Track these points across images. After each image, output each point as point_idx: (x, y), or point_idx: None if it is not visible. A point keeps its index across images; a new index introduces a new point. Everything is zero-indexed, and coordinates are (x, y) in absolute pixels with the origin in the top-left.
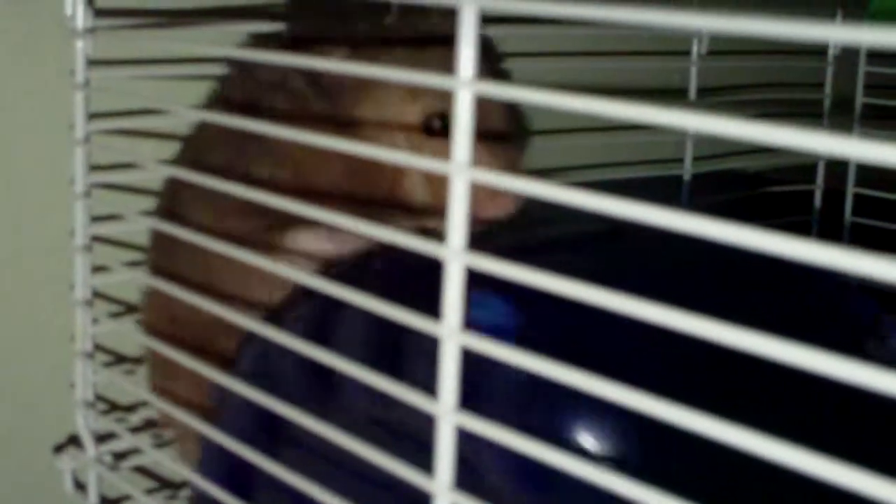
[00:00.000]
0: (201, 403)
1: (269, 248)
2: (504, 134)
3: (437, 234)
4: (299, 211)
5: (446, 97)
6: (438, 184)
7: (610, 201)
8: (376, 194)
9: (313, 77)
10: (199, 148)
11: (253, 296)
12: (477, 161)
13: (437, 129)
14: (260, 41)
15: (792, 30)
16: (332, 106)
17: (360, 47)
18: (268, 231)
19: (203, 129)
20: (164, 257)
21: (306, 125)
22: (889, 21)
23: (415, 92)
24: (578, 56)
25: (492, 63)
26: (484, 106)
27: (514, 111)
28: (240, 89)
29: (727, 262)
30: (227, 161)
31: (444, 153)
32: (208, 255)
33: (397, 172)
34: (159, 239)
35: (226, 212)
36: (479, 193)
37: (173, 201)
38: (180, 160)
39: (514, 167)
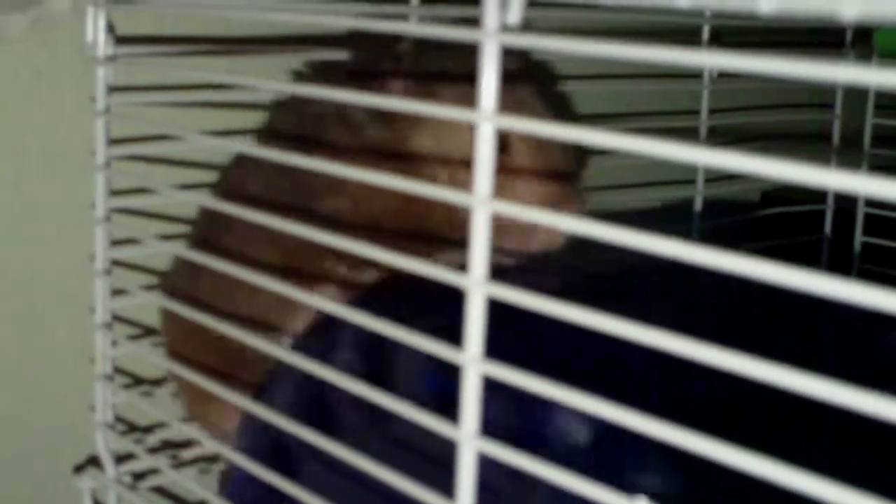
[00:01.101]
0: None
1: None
2: (560, 164)
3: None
4: (337, 244)
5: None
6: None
7: (624, 233)
8: (437, 218)
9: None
10: (244, 180)
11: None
12: (533, 193)
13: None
14: (315, 71)
15: (800, 69)
16: (389, 133)
17: (415, 79)
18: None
19: (245, 161)
20: (199, 285)
21: (364, 153)
22: (894, 50)
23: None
24: (590, 79)
25: (545, 86)
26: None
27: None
28: (290, 122)
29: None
30: (282, 193)
31: (503, 170)
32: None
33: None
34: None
35: (277, 244)
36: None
37: (214, 229)
38: (225, 187)
39: (569, 197)
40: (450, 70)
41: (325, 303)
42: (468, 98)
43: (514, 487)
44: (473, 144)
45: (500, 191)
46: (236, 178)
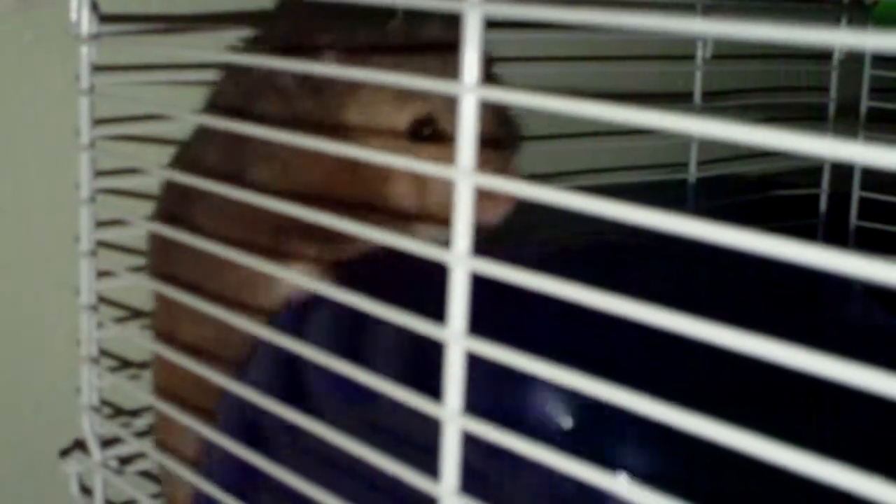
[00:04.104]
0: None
1: (274, 253)
2: (498, 138)
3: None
4: (303, 215)
5: (434, 102)
6: (425, 190)
7: (617, 206)
8: (361, 199)
9: (303, 76)
10: (196, 153)
11: (254, 301)
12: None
13: (425, 135)
14: (252, 44)
15: (797, 34)
16: (320, 106)
17: (353, 51)
18: (270, 236)
19: (200, 134)
20: (165, 263)
21: (293, 125)
22: (892, 26)
23: (402, 97)
24: (582, 60)
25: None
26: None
27: (506, 114)
28: (230, 93)
29: (728, 265)
30: (222, 164)
31: (432, 159)
32: (210, 260)
33: (382, 178)
34: (161, 244)
35: (225, 217)
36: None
37: (175, 205)
38: (178, 164)
39: (507, 170)
40: (386, 42)
41: (297, 277)
42: (402, 68)
43: (494, 469)
44: (398, 118)
45: (441, 161)
46: (192, 153)
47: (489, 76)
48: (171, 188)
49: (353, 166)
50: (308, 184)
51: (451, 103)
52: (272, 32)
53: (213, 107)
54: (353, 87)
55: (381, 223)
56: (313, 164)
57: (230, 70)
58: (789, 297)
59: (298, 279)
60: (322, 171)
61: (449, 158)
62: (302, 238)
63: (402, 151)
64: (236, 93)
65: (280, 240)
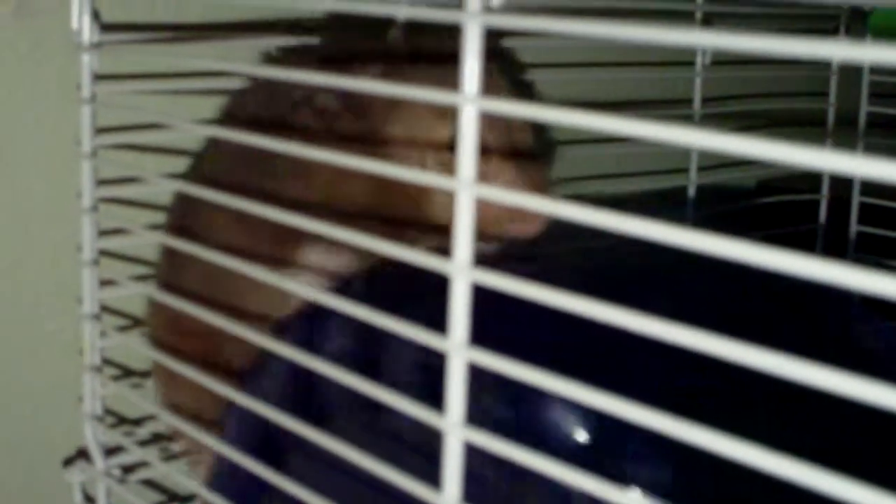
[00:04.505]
0: (209, 415)
1: (286, 263)
2: (529, 149)
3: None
4: (310, 227)
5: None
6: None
7: (615, 218)
8: (403, 211)
9: (344, 94)
10: (215, 162)
11: (267, 310)
12: (504, 177)
13: None
14: (287, 56)
15: (795, 47)
16: (362, 123)
17: (391, 65)
18: (284, 246)
19: (218, 144)
20: (176, 272)
21: (333, 141)
22: (890, 33)
23: (445, 110)
24: (582, 67)
25: (513, 75)
26: (509, 120)
27: (538, 125)
28: (261, 104)
29: (731, 272)
30: (248, 177)
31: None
32: (225, 271)
33: (424, 189)
34: (171, 255)
35: (245, 228)
36: (508, 211)
37: (187, 216)
38: (194, 175)
39: (540, 182)
40: (424, 53)
41: (307, 290)
42: (443, 82)
43: (504, 479)
44: (443, 135)
45: (483, 173)
46: (206, 165)
47: (520, 83)
48: (184, 197)
49: (392, 181)
50: (346, 199)
51: (490, 115)
52: (310, 47)
53: (235, 116)
54: (396, 103)
55: (421, 237)
56: (352, 178)
57: (258, 81)
58: (785, 301)
59: (307, 290)
60: (361, 185)
61: (490, 171)
62: (328, 250)
63: (443, 164)
64: (266, 106)
65: (302, 251)
